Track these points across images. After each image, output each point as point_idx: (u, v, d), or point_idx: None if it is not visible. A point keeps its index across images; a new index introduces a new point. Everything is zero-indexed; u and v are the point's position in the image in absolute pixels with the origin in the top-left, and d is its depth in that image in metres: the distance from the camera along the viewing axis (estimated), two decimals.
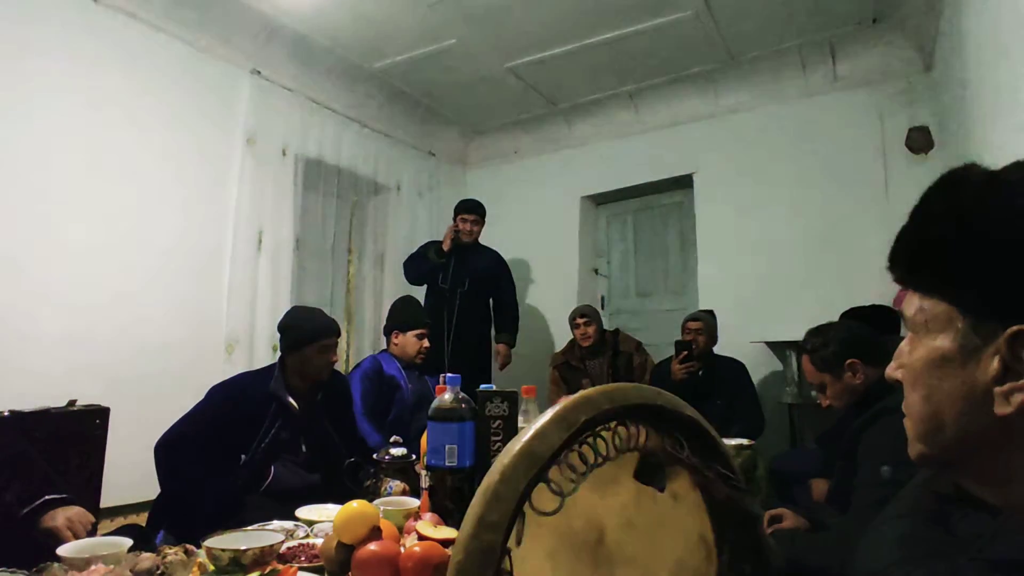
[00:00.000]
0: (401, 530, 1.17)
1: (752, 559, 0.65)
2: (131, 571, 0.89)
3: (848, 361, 1.73)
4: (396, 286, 4.08)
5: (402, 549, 1.03)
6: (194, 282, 3.09)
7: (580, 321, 3.45)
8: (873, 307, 2.97)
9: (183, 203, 3.07)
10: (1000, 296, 0.47)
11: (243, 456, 1.85)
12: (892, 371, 0.59)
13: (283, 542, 1.13)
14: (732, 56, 3.80)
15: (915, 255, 0.54)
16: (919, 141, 3.45)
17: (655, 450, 0.60)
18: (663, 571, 0.60)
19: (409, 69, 3.89)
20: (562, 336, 4.13)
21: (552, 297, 4.53)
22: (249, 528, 1.26)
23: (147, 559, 0.91)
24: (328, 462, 1.98)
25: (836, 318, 2.49)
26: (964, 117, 2.65)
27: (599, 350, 3.47)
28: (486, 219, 3.89)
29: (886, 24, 3.43)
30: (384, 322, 3.10)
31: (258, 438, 1.86)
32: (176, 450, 1.81)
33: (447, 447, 1.24)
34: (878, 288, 3.20)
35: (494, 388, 1.41)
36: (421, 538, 1.06)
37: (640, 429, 0.59)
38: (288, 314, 2.13)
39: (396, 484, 1.53)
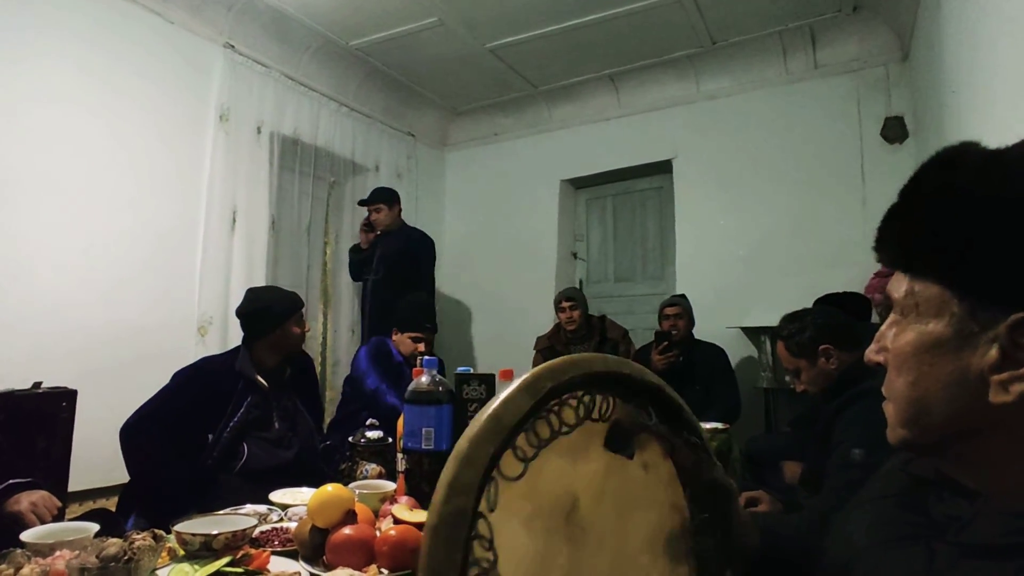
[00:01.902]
0: (377, 514, 1.16)
1: (721, 526, 0.66)
2: (97, 557, 0.86)
3: (822, 347, 1.76)
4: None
5: (378, 533, 1.02)
6: (165, 262, 3.01)
7: (566, 304, 3.44)
8: (846, 294, 3.02)
9: (153, 180, 2.98)
10: (1000, 281, 0.45)
11: (210, 436, 1.82)
12: (873, 355, 0.57)
13: (256, 526, 1.11)
14: (713, 41, 3.79)
15: (908, 235, 0.52)
16: (894, 130, 3.50)
17: (623, 419, 0.60)
18: (637, 538, 0.60)
19: (388, 48, 3.81)
20: (540, 319, 4.13)
21: (530, 280, 4.52)
22: (221, 512, 1.23)
23: (114, 544, 0.89)
24: (301, 438, 1.98)
25: (811, 304, 2.52)
26: (939, 107, 2.68)
27: (585, 336, 3.47)
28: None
29: (866, 12, 3.45)
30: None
31: (226, 417, 1.84)
32: (142, 432, 1.77)
33: (424, 430, 1.23)
34: (851, 275, 3.26)
35: (472, 371, 1.40)
36: (397, 521, 1.05)
37: (607, 398, 0.59)
38: (250, 299, 2.06)
39: (372, 467, 1.52)
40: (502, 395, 0.52)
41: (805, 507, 1.69)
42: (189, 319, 3.08)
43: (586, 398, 0.58)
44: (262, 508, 1.33)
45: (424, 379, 1.28)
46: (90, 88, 2.75)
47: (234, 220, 3.28)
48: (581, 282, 4.62)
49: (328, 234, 4.09)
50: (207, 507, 1.37)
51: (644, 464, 0.63)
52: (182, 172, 3.11)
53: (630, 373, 0.62)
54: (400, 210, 3.83)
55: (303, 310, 2.09)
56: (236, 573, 0.93)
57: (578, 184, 4.71)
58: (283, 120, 3.58)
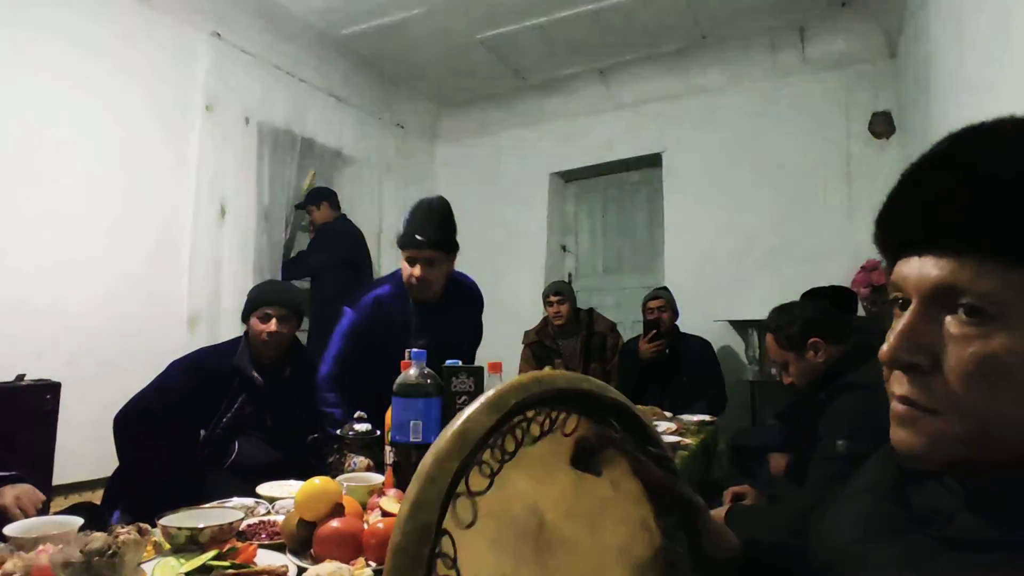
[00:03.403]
0: (365, 507, 1.16)
1: (690, 540, 0.66)
2: (81, 551, 0.85)
3: (811, 340, 1.77)
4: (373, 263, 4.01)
5: (365, 526, 1.02)
6: (152, 254, 2.98)
7: (554, 299, 3.44)
8: (833, 287, 3.05)
9: (138, 171, 2.94)
10: None
11: (203, 432, 1.81)
12: (908, 355, 0.48)
13: (243, 520, 1.10)
14: (703, 36, 3.79)
15: (1010, 212, 0.43)
16: (881, 126, 3.53)
17: (588, 435, 0.61)
18: (606, 556, 0.61)
19: (377, 37, 3.78)
20: (529, 312, 4.13)
21: (520, 273, 4.52)
22: (207, 506, 1.23)
23: (98, 539, 0.88)
24: (293, 438, 1.95)
25: (797, 297, 2.54)
26: (924, 104, 2.71)
27: (573, 330, 3.47)
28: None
29: (855, 9, 3.47)
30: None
31: (220, 412, 1.82)
32: (136, 423, 1.76)
33: (412, 423, 1.23)
34: (837, 269, 3.29)
35: (460, 364, 1.40)
36: (385, 514, 1.05)
37: (572, 415, 0.60)
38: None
39: (360, 460, 1.51)
40: (466, 411, 0.52)
41: (790, 499, 1.71)
42: (178, 311, 3.05)
43: (553, 414, 0.58)
44: (249, 501, 1.33)
45: (412, 372, 1.27)
46: (72, 78, 2.70)
47: (223, 212, 3.24)
48: (570, 275, 4.63)
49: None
50: (194, 501, 1.36)
51: (612, 481, 0.63)
52: (169, 163, 3.07)
53: (591, 390, 0.62)
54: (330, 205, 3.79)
55: (272, 308, 1.93)
56: (222, 567, 0.93)
57: (568, 177, 4.71)
58: (271, 110, 3.54)
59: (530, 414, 0.57)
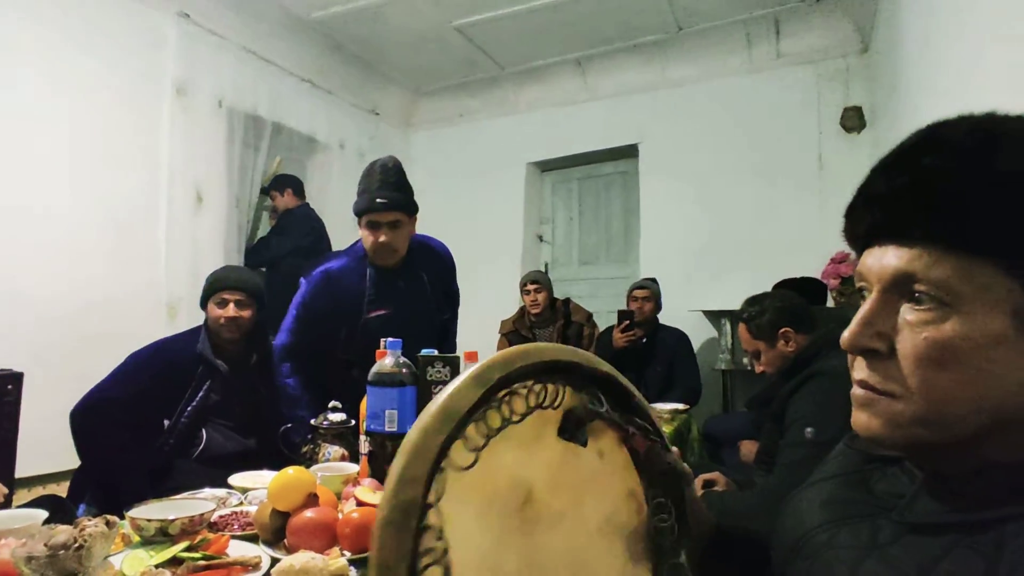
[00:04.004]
0: (339, 496, 1.15)
1: (676, 511, 0.67)
2: (45, 545, 0.83)
3: (782, 330, 1.81)
4: (336, 247, 3.95)
5: (340, 515, 1.01)
6: (124, 240, 2.91)
7: (531, 287, 3.44)
8: (803, 279, 3.11)
9: (107, 156, 2.86)
10: None
11: (167, 422, 1.77)
12: (867, 340, 0.50)
13: (214, 510, 1.09)
14: (680, 28, 3.81)
15: (972, 209, 0.44)
16: (852, 120, 3.59)
17: (575, 407, 0.61)
18: (592, 527, 0.61)
19: (351, 21, 3.71)
20: (506, 302, 4.14)
21: (497, 263, 4.52)
22: (177, 497, 1.21)
23: (63, 532, 0.86)
24: (263, 426, 1.92)
25: (769, 288, 2.58)
26: (895, 100, 2.76)
27: (549, 319, 3.48)
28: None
29: (828, 4, 3.51)
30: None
31: (184, 402, 1.78)
32: (96, 416, 1.71)
33: (387, 412, 1.23)
34: (808, 260, 3.35)
35: (436, 353, 1.39)
36: (360, 504, 1.04)
37: (559, 387, 0.60)
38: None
39: (335, 450, 1.50)
40: (451, 386, 0.52)
41: (758, 485, 1.75)
42: (156, 298, 2.99)
43: (537, 387, 0.58)
44: (221, 492, 1.31)
45: (387, 361, 1.27)
46: (37, 63, 2.62)
47: (200, 198, 3.18)
48: (547, 265, 4.64)
49: None
50: (164, 493, 1.34)
51: (599, 452, 0.64)
52: (140, 147, 3.00)
53: (580, 362, 0.62)
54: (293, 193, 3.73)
55: (228, 293, 1.89)
56: (193, 558, 0.92)
57: (544, 167, 4.70)
58: (242, 95, 3.46)
59: (516, 387, 0.57)
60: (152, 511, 1.04)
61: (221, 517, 1.12)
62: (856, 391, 0.52)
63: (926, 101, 2.19)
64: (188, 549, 0.94)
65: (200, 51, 3.22)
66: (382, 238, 1.88)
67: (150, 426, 1.76)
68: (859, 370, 0.52)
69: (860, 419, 0.52)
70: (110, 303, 2.82)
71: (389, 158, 1.96)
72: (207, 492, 1.29)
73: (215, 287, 1.92)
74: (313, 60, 3.94)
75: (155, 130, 3.06)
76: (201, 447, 1.79)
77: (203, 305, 1.93)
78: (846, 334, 0.51)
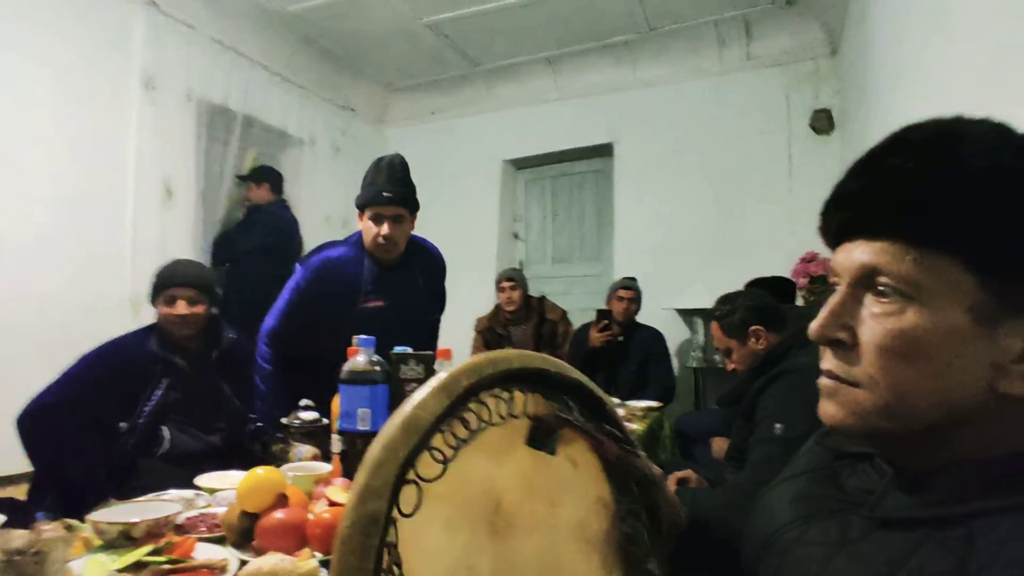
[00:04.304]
0: (311, 496, 1.13)
1: (647, 517, 0.67)
2: (1, 550, 0.80)
3: (753, 328, 1.84)
4: (309, 245, 3.89)
5: (311, 516, 1.00)
6: (90, 236, 2.82)
7: (506, 285, 3.43)
8: (774, 278, 3.16)
9: (71, 149, 2.77)
10: None
11: (123, 424, 1.71)
12: (832, 332, 0.52)
13: (180, 512, 1.06)
14: (651, 28, 3.83)
15: (949, 209, 0.46)
16: (822, 122, 3.66)
17: (544, 415, 0.61)
18: (564, 534, 0.61)
19: (324, 16, 3.66)
20: (480, 299, 4.12)
21: (471, 261, 4.49)
22: (142, 498, 1.18)
23: (20, 537, 0.82)
24: (229, 424, 1.88)
25: (740, 287, 2.62)
26: (864, 102, 2.82)
27: (524, 317, 3.48)
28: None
29: (798, 7, 3.57)
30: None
31: (142, 402, 1.73)
32: (43, 420, 1.63)
33: (360, 411, 1.21)
34: (778, 260, 3.41)
35: (410, 351, 1.38)
36: (331, 504, 1.03)
37: (528, 395, 0.59)
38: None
39: (306, 449, 1.48)
40: (417, 396, 0.51)
41: (729, 481, 1.78)
42: (120, 295, 2.91)
43: (505, 395, 0.57)
44: (188, 493, 1.28)
45: (360, 358, 1.25)
46: (5, 51, 2.52)
47: (169, 193, 3.10)
48: (521, 263, 4.64)
49: None
50: (127, 494, 1.30)
51: (570, 459, 0.63)
52: (106, 140, 2.91)
53: (550, 369, 0.62)
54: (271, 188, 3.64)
55: (177, 290, 1.82)
56: (158, 562, 0.89)
57: (518, 165, 4.70)
58: (212, 87, 3.39)
59: (484, 396, 0.56)
60: (114, 514, 1.01)
61: (187, 519, 1.09)
62: (822, 380, 0.54)
63: (894, 104, 2.24)
64: (152, 553, 0.91)
65: (169, 42, 3.14)
66: (385, 231, 1.90)
67: (104, 428, 1.70)
68: (826, 360, 0.54)
69: (826, 408, 0.53)
70: (73, 300, 2.73)
71: (396, 155, 2.00)
72: (173, 493, 1.26)
73: (164, 284, 1.84)
74: (285, 54, 3.87)
75: (122, 123, 2.97)
76: (166, 447, 1.74)
77: (152, 302, 1.86)
78: (813, 325, 0.53)
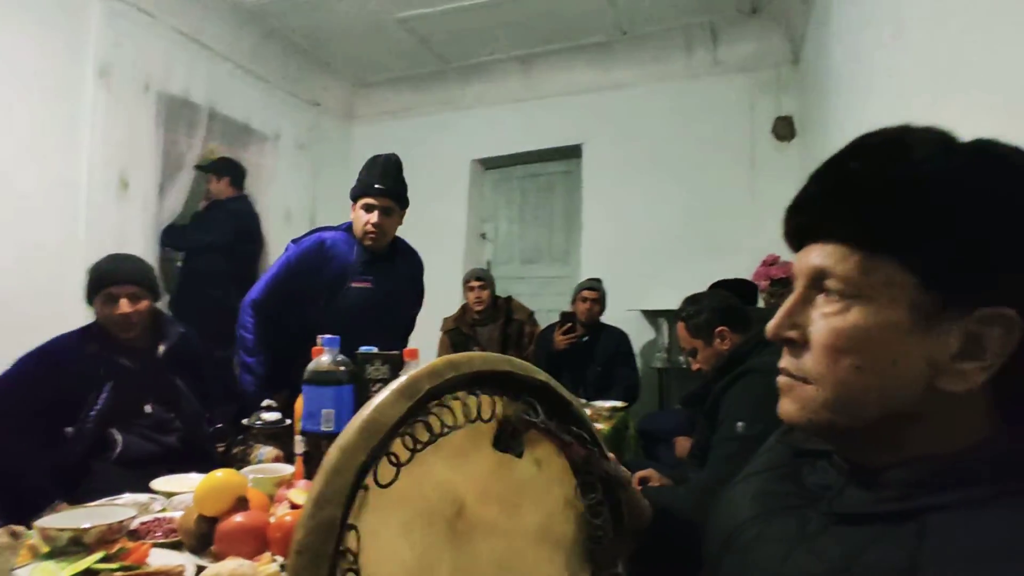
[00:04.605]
0: (272, 499, 1.11)
1: (612, 514, 0.68)
2: None
3: (718, 328, 1.87)
4: (277, 244, 3.81)
5: (272, 519, 0.97)
6: (42, 229, 2.71)
7: (475, 284, 3.42)
8: (736, 280, 3.22)
9: (21, 138, 2.65)
10: (977, 275, 0.46)
11: (69, 428, 1.63)
12: (785, 331, 0.55)
13: (134, 517, 1.03)
14: (623, 31, 3.87)
15: (886, 214, 0.48)
16: (783, 129, 3.75)
17: (510, 417, 0.60)
18: (528, 537, 0.61)
19: (290, 8, 3.59)
20: (447, 299, 4.10)
21: (438, 260, 4.43)
22: (94, 503, 1.13)
23: None
24: (185, 422, 1.81)
25: (705, 289, 2.67)
26: (822, 111, 2.90)
27: (491, 317, 3.47)
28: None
29: (763, 15, 3.65)
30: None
31: (88, 405, 1.65)
32: None
33: (324, 412, 1.19)
34: (740, 262, 3.48)
35: (376, 351, 1.36)
36: (293, 507, 1.01)
37: (492, 397, 0.59)
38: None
39: (268, 450, 1.45)
40: (375, 400, 0.50)
41: (693, 479, 1.80)
42: (74, 288, 2.79)
43: (470, 399, 0.57)
44: (143, 497, 1.24)
45: (325, 358, 1.23)
46: None
47: (123, 184, 2.99)
48: (489, 263, 4.63)
49: None
50: (80, 499, 1.25)
51: (536, 461, 0.63)
52: (58, 130, 2.79)
53: (514, 371, 0.61)
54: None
55: (118, 288, 1.73)
56: (109, 569, 0.86)
57: (488, 165, 4.69)
58: (172, 79, 3.28)
59: (446, 399, 0.55)
60: (64, 519, 0.97)
61: (142, 524, 1.06)
62: (779, 378, 0.57)
63: (851, 113, 2.31)
64: (104, 560, 0.88)
65: (126, 30, 3.03)
66: (374, 219, 2.09)
67: (48, 432, 1.62)
68: (783, 359, 0.56)
69: (782, 405, 0.56)
70: (23, 292, 2.62)
71: (392, 154, 2.24)
72: (127, 498, 1.22)
73: (102, 282, 1.74)
74: (250, 47, 3.78)
75: (76, 112, 2.85)
76: (119, 450, 1.67)
77: (89, 302, 1.76)
78: (769, 325, 0.56)
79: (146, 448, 1.71)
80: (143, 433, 1.73)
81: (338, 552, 0.45)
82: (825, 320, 0.51)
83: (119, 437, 1.68)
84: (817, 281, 0.53)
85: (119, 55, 2.99)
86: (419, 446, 0.52)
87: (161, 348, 1.83)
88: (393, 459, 0.50)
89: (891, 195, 0.48)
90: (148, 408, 1.76)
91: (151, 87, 3.16)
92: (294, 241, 2.18)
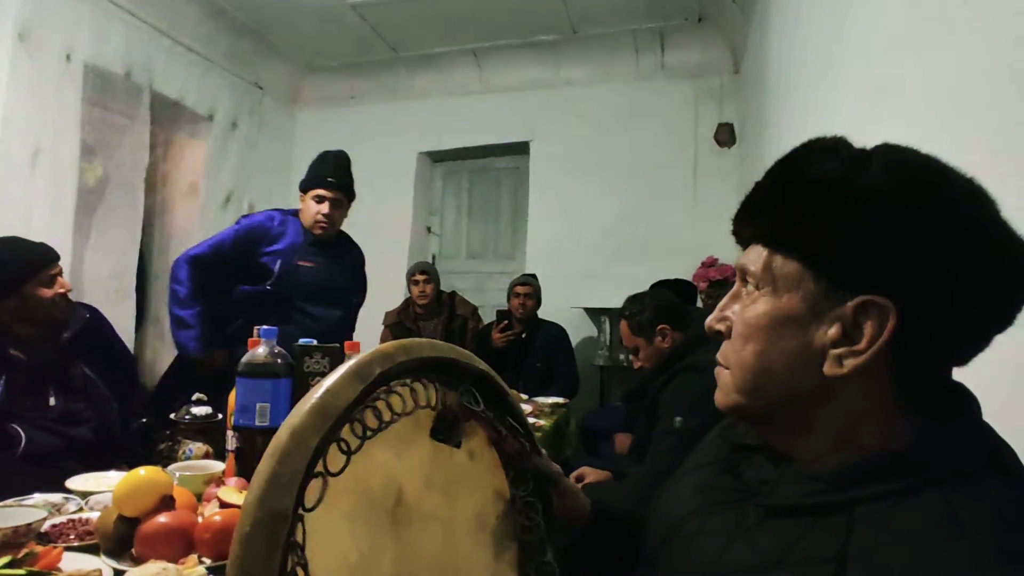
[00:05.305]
0: (200, 498, 1.06)
1: (543, 511, 0.68)
2: None
3: (660, 326, 1.91)
4: (207, 223, 3.64)
5: (200, 519, 0.93)
6: None
7: (420, 278, 3.36)
8: (677, 280, 3.31)
9: None
10: (854, 267, 0.50)
11: None
12: (715, 323, 0.60)
13: (45, 519, 0.96)
14: (575, 30, 3.91)
15: (782, 214, 0.54)
16: (725, 136, 3.87)
17: (450, 407, 0.60)
18: (462, 526, 0.61)
19: None
20: (391, 293, 4.04)
21: (383, 253, 4.36)
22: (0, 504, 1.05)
23: None
24: (96, 410, 1.70)
25: (646, 288, 2.72)
26: (761, 119, 3.01)
27: (434, 312, 3.42)
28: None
29: (708, 25, 3.75)
30: None
31: None
32: None
33: (258, 406, 1.14)
34: (681, 263, 3.58)
35: (315, 343, 1.32)
36: (224, 506, 0.96)
37: (435, 385, 0.59)
38: None
39: (196, 447, 1.38)
40: (327, 381, 0.49)
41: (630, 474, 1.84)
42: None
43: (416, 385, 0.56)
44: (56, 498, 1.15)
45: (261, 350, 1.18)
46: None
47: (36, 155, 2.78)
48: (434, 257, 4.59)
49: (159, 186, 3.63)
50: None
51: (470, 452, 0.63)
52: None
53: (458, 359, 0.61)
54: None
55: (56, 266, 1.68)
56: (17, 575, 0.79)
57: (435, 158, 4.64)
58: (101, 50, 3.07)
59: (395, 385, 0.54)
60: None
61: (54, 526, 0.98)
62: (716, 369, 0.62)
63: (785, 123, 2.41)
64: (10, 565, 0.81)
65: None
66: (324, 210, 2.25)
67: None
68: (719, 351, 0.61)
69: (716, 394, 0.61)
70: None
71: (342, 151, 2.41)
72: (38, 498, 1.13)
73: (43, 262, 1.67)
74: (190, 22, 3.58)
75: None
76: (23, 447, 1.55)
77: (15, 288, 1.62)
78: (707, 321, 0.62)
79: (53, 442, 1.59)
80: (48, 427, 1.60)
81: (289, 543, 0.43)
82: (740, 311, 0.57)
83: (21, 432, 1.55)
84: (742, 279, 0.58)
85: (41, 21, 2.78)
86: (369, 432, 0.50)
87: (65, 334, 1.71)
88: (343, 446, 0.48)
89: (789, 198, 0.54)
90: (52, 400, 1.64)
91: (73, 57, 2.95)
92: (245, 216, 2.36)
